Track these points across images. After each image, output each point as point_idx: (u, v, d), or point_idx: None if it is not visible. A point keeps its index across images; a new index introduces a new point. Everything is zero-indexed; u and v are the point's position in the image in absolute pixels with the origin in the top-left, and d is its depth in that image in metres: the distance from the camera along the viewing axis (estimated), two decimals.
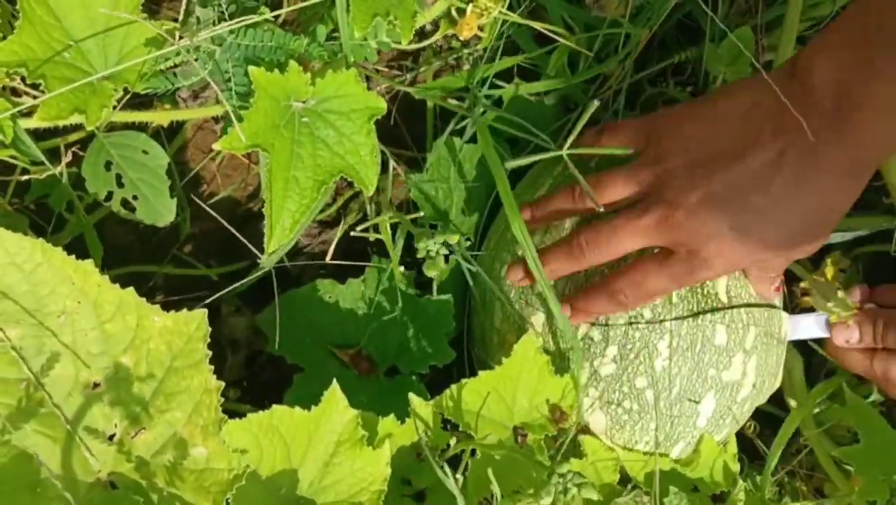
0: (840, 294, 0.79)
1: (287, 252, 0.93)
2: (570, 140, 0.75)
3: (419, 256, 0.84)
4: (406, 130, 0.94)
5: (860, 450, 0.84)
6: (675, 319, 0.79)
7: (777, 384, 0.87)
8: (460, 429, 0.77)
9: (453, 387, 0.77)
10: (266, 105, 0.68)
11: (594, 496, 0.71)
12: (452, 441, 0.77)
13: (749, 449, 0.96)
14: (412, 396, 0.76)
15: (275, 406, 0.66)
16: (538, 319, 0.82)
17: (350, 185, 0.93)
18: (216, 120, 0.93)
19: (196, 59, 0.70)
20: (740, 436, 0.95)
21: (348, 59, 0.72)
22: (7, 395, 0.62)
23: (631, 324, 0.79)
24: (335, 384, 0.69)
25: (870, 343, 0.79)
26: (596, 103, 0.74)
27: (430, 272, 0.84)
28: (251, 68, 0.67)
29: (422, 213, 0.87)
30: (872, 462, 0.84)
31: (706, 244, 0.69)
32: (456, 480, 0.74)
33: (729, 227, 0.67)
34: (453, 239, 0.81)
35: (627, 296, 0.75)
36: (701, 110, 0.72)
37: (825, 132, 0.63)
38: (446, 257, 0.87)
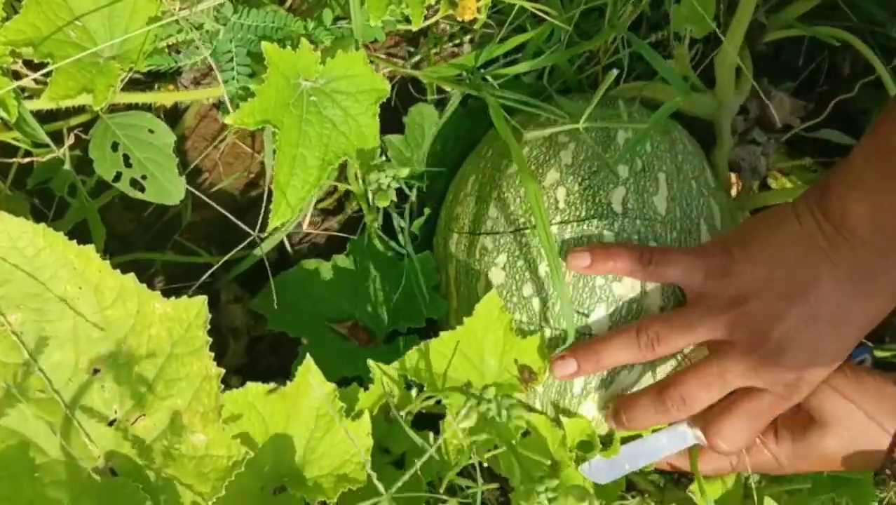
0: None
1: (289, 241, 0.93)
2: (586, 113, 0.75)
3: (370, 188, 0.83)
4: (405, 116, 0.94)
5: None
6: (561, 223, 0.78)
7: None
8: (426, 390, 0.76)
9: (415, 348, 0.75)
10: (277, 82, 0.68)
11: (522, 423, 0.71)
12: (413, 393, 0.76)
13: None
14: (370, 362, 0.75)
15: (248, 383, 0.66)
16: (452, 244, 0.82)
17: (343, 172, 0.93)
18: (217, 108, 0.92)
19: (199, 40, 0.69)
20: None
21: (358, 41, 0.72)
22: (6, 379, 0.62)
23: (518, 230, 0.78)
24: (309, 359, 0.68)
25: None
26: (615, 72, 0.74)
27: (381, 203, 0.83)
28: (264, 43, 0.67)
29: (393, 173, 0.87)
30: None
31: (798, 376, 0.72)
32: (430, 441, 0.73)
33: (816, 354, 0.72)
34: (403, 173, 0.80)
35: (738, 440, 0.75)
36: (760, 249, 0.74)
37: (882, 261, 0.70)
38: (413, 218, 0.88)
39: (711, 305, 0.74)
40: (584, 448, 0.79)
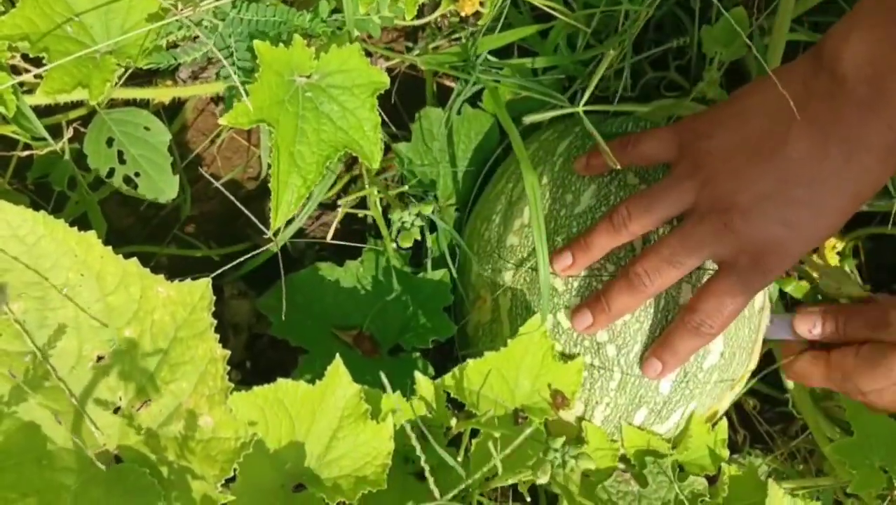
0: (853, 278, 0.78)
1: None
2: (585, 96, 0.75)
3: (395, 227, 0.83)
4: (406, 113, 0.95)
5: (854, 442, 0.83)
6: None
7: (754, 361, 0.85)
8: (465, 408, 0.77)
9: (458, 367, 0.76)
10: (270, 80, 0.68)
11: (592, 466, 0.71)
12: (454, 421, 0.77)
13: (750, 427, 0.96)
14: (418, 375, 0.75)
15: (280, 380, 0.66)
16: (508, 275, 0.82)
17: (349, 168, 0.93)
18: (216, 102, 0.93)
19: (198, 35, 0.70)
20: (741, 411, 0.95)
21: (352, 34, 0.73)
22: (10, 368, 0.62)
23: (594, 276, 0.78)
24: (338, 359, 0.68)
25: (831, 333, 0.75)
26: (612, 53, 0.74)
27: (405, 243, 0.84)
28: (256, 42, 0.67)
29: (406, 187, 0.88)
30: (866, 454, 0.83)
31: (766, 245, 0.68)
32: (457, 458, 0.74)
33: (785, 223, 0.67)
34: (427, 210, 0.80)
35: (712, 325, 0.72)
36: (729, 110, 0.71)
37: (864, 116, 0.64)
38: (432, 228, 0.87)
39: (678, 174, 0.71)
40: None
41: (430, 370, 0.86)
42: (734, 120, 0.69)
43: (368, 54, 0.84)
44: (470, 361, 0.76)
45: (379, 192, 0.86)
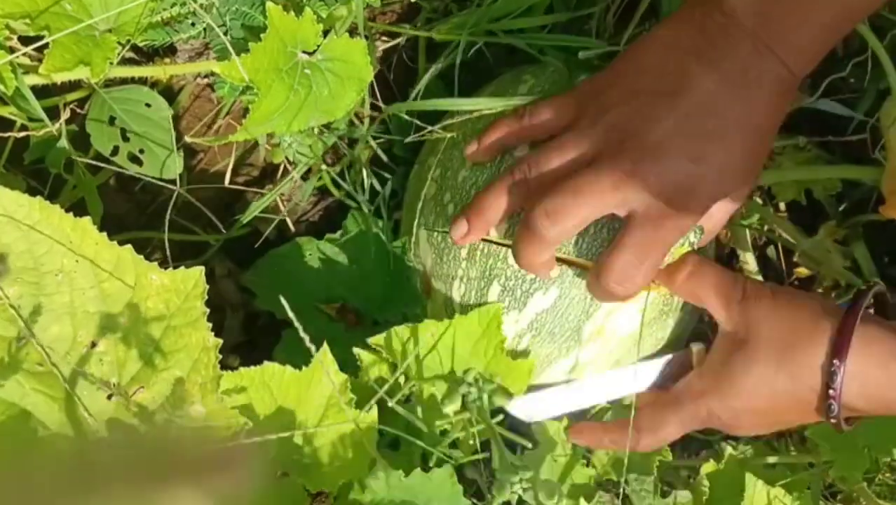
0: (837, 254, 0.77)
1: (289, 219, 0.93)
2: (624, 38, 0.76)
3: (267, 142, 0.82)
4: (398, 93, 0.94)
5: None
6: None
7: None
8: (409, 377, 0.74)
9: (403, 326, 0.73)
10: (274, 45, 0.68)
11: (506, 402, 0.70)
12: (402, 380, 0.74)
13: None
14: (356, 350, 0.74)
15: (266, 363, 0.66)
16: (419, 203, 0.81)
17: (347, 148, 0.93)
18: (212, 88, 0.92)
19: (196, 7, 0.69)
20: None
21: (362, 23, 0.72)
22: (4, 353, 0.62)
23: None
24: (325, 347, 0.67)
25: None
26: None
27: (276, 159, 0.84)
28: (269, 4, 0.66)
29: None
30: (849, 436, 0.78)
31: (678, 186, 0.65)
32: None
33: (696, 158, 0.64)
34: (307, 140, 0.79)
35: (630, 286, 0.68)
36: (627, 62, 0.70)
37: (756, 48, 0.65)
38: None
39: (580, 126, 0.68)
40: None
41: None
42: (633, 68, 0.68)
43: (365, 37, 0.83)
44: (416, 325, 0.72)
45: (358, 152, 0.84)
